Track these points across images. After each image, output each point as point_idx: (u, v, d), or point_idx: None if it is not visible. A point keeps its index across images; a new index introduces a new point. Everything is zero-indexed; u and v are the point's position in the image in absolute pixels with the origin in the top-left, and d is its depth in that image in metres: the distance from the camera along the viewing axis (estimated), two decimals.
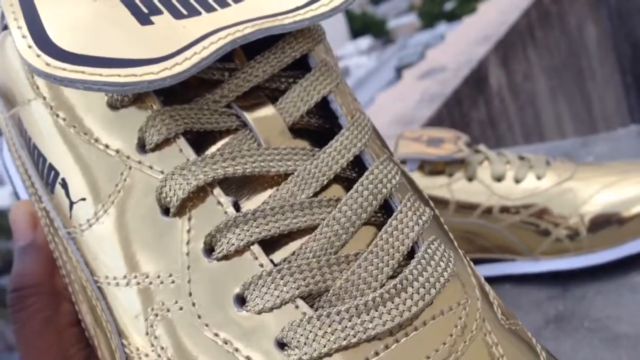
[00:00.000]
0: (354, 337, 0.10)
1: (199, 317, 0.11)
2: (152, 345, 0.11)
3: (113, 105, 0.12)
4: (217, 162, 0.11)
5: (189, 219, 0.11)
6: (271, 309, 0.10)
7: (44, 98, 0.14)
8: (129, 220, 0.12)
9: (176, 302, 0.11)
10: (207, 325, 0.11)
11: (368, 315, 0.10)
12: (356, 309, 0.10)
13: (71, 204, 0.13)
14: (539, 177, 0.29)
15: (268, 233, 0.11)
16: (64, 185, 0.13)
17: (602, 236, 0.27)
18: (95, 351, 0.14)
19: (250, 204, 0.12)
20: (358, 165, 0.13)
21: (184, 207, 0.12)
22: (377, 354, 0.10)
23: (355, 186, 0.12)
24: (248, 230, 0.11)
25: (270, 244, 0.11)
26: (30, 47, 0.11)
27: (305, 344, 0.10)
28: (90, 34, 0.12)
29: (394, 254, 0.11)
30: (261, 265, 0.11)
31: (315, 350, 0.10)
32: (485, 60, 0.81)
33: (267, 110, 0.12)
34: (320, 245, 0.11)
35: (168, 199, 0.12)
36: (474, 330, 0.11)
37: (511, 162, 0.30)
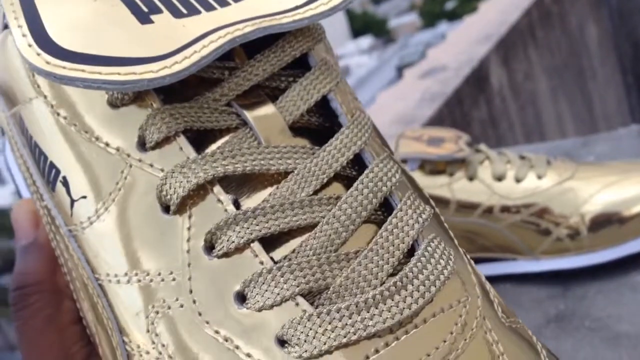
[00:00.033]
0: (354, 334, 0.10)
1: (200, 314, 0.11)
2: (153, 342, 0.11)
3: (113, 104, 0.13)
4: (217, 160, 0.11)
5: (190, 217, 0.11)
6: (271, 307, 0.11)
7: (45, 97, 0.14)
8: (129, 218, 0.12)
9: (177, 300, 0.11)
10: (207, 323, 0.11)
11: (368, 312, 0.10)
12: (356, 306, 0.10)
13: (72, 201, 0.13)
14: (539, 177, 0.29)
15: (268, 231, 0.11)
16: (65, 183, 0.13)
17: (603, 235, 0.27)
18: (97, 349, 0.14)
19: (250, 202, 0.12)
20: (358, 164, 0.13)
21: (185, 204, 0.12)
22: (377, 351, 0.10)
23: (355, 184, 0.12)
24: (248, 228, 0.11)
25: (270, 242, 0.11)
26: (30, 45, 0.11)
27: (305, 341, 0.10)
28: (90, 32, 0.12)
29: (394, 252, 0.11)
30: (261, 263, 0.11)
31: (315, 348, 0.10)
32: (486, 59, 0.81)
33: (267, 109, 0.12)
34: (320, 243, 0.11)
35: (168, 196, 0.12)
36: (475, 328, 0.11)
37: (512, 162, 0.30)
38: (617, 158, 0.35)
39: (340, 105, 0.13)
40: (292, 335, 0.10)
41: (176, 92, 0.13)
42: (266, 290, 0.11)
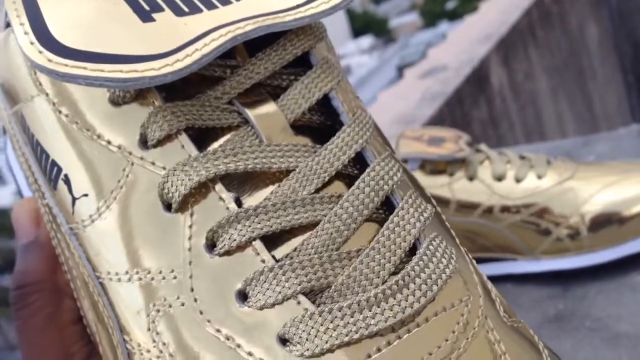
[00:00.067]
0: (356, 333, 0.10)
1: (201, 312, 0.11)
2: (154, 341, 0.11)
3: (115, 102, 0.13)
4: (219, 158, 0.11)
5: (191, 215, 0.11)
6: (273, 305, 0.10)
7: (47, 94, 0.14)
8: (131, 216, 0.12)
9: (178, 298, 0.11)
10: (209, 321, 0.11)
11: (370, 311, 0.10)
12: (358, 305, 0.10)
13: (74, 199, 0.13)
14: (539, 177, 0.29)
15: (270, 229, 0.11)
16: (67, 181, 0.13)
17: (603, 235, 0.27)
18: (97, 347, 0.14)
19: (252, 200, 0.12)
20: (359, 162, 0.13)
21: (186, 202, 0.12)
22: (379, 350, 0.10)
23: (356, 183, 0.12)
24: (250, 226, 0.11)
25: (272, 240, 0.11)
26: (32, 43, 0.11)
27: (307, 339, 0.10)
28: (92, 30, 0.12)
29: (395, 251, 0.11)
30: (263, 261, 0.11)
31: (317, 346, 0.10)
32: (486, 59, 0.81)
33: (269, 107, 0.12)
34: (322, 241, 0.11)
35: (170, 194, 0.12)
36: (476, 327, 0.11)
37: (512, 162, 0.30)
38: (618, 158, 0.35)
39: (341, 103, 0.13)
40: (294, 334, 0.10)
41: (178, 90, 0.13)
42: (268, 289, 0.11)
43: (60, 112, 0.13)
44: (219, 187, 0.12)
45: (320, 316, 0.10)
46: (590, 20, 1.14)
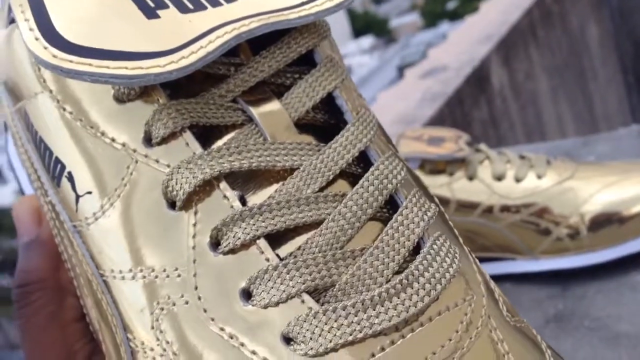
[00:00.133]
0: (360, 332, 0.10)
1: (205, 311, 0.11)
2: (158, 339, 0.11)
3: (119, 99, 0.13)
4: (224, 156, 0.11)
5: (195, 213, 0.11)
6: (277, 304, 0.10)
7: (51, 91, 0.14)
8: (134, 213, 0.12)
9: (182, 296, 0.11)
10: (212, 320, 0.11)
11: (374, 310, 0.10)
12: (362, 304, 0.10)
13: (77, 197, 0.13)
14: (539, 177, 0.29)
15: (274, 227, 0.11)
16: (70, 178, 0.13)
17: (603, 235, 0.27)
18: (100, 345, 0.14)
19: (256, 198, 0.12)
20: (363, 161, 0.13)
21: (190, 200, 0.12)
22: (383, 349, 0.10)
23: (360, 181, 0.12)
24: (254, 225, 0.11)
25: (276, 239, 0.11)
26: (37, 39, 0.11)
27: (311, 338, 0.10)
28: (97, 26, 0.12)
29: (399, 250, 0.11)
30: (267, 260, 0.11)
31: (321, 345, 0.10)
32: (487, 59, 0.81)
33: (273, 105, 0.12)
34: (326, 240, 0.11)
35: (174, 192, 0.12)
36: (480, 327, 0.11)
37: (512, 161, 0.30)
38: (618, 158, 0.35)
39: (345, 102, 0.13)
40: (298, 333, 0.10)
41: (182, 87, 0.13)
42: (272, 287, 0.11)
43: (64, 109, 0.13)
44: (223, 185, 0.11)
45: (324, 315, 0.10)
46: (591, 20, 1.14)
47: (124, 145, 0.12)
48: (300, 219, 0.11)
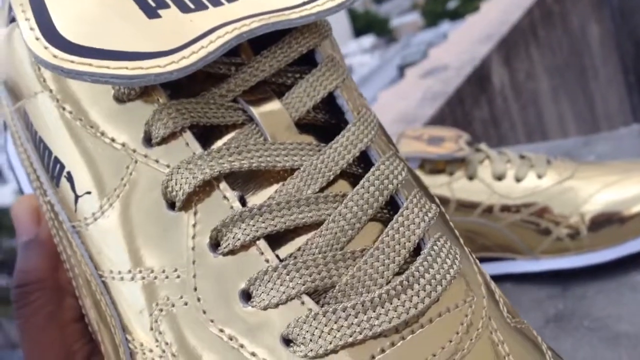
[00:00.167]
0: (360, 333, 0.10)
1: (204, 312, 0.11)
2: (157, 340, 0.11)
3: (119, 99, 0.12)
4: (224, 157, 0.11)
5: (195, 214, 0.11)
6: (277, 305, 0.10)
7: (51, 91, 0.14)
8: (134, 214, 0.12)
9: (181, 297, 0.11)
10: (212, 321, 0.11)
11: (374, 311, 0.10)
12: (362, 305, 0.10)
13: (76, 197, 0.13)
14: (539, 176, 0.29)
15: (274, 228, 0.11)
16: (70, 178, 0.13)
17: (603, 235, 0.27)
18: (99, 346, 0.14)
19: (256, 199, 0.12)
20: (364, 161, 0.13)
21: (190, 201, 0.11)
22: (383, 351, 0.10)
23: (361, 182, 0.12)
24: (254, 225, 0.11)
25: (276, 239, 0.11)
26: (37, 39, 0.11)
27: (311, 340, 0.10)
28: (98, 26, 0.12)
29: (400, 251, 0.11)
30: (267, 261, 0.11)
31: (321, 347, 0.10)
32: (487, 59, 0.81)
33: (274, 105, 0.12)
34: (326, 240, 0.11)
35: (174, 193, 0.12)
36: (480, 328, 0.11)
37: (512, 161, 0.30)
38: (618, 157, 0.35)
39: (346, 102, 0.13)
40: (298, 334, 0.10)
41: (183, 87, 0.12)
42: (272, 289, 0.11)
43: (64, 108, 0.13)
44: (223, 185, 0.11)
45: (324, 317, 0.10)
46: (592, 19, 1.14)
47: (123, 145, 0.12)
48: (300, 220, 0.11)
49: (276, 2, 0.12)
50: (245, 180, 0.12)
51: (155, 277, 0.12)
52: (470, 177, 0.30)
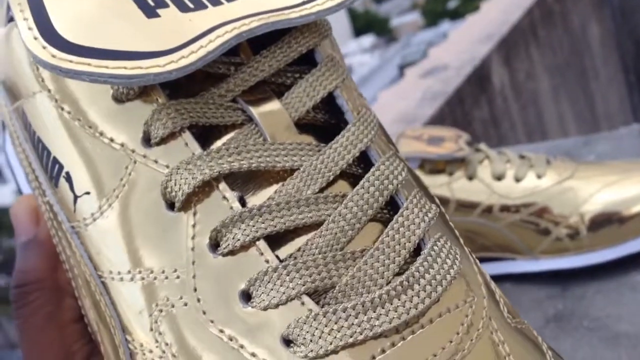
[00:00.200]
0: (361, 334, 0.10)
1: (204, 313, 0.11)
2: (157, 341, 0.11)
3: (118, 99, 0.12)
4: (223, 157, 0.11)
5: (194, 214, 0.11)
6: (277, 306, 0.10)
7: (49, 91, 0.13)
8: (133, 214, 0.12)
9: (181, 298, 0.11)
10: (212, 322, 0.11)
11: (374, 312, 0.10)
12: (362, 305, 0.10)
13: (75, 197, 0.13)
14: (539, 176, 0.29)
15: (274, 228, 0.11)
16: (68, 179, 0.13)
17: (603, 235, 0.27)
18: (99, 346, 0.14)
19: (255, 199, 0.12)
20: (364, 162, 0.13)
21: (189, 201, 0.11)
22: (383, 351, 0.10)
23: (361, 182, 0.12)
24: (254, 226, 0.11)
25: (276, 240, 0.11)
26: (36, 38, 0.11)
27: (311, 341, 0.10)
28: (97, 26, 0.12)
29: (400, 251, 0.11)
30: (267, 261, 0.11)
31: (321, 348, 0.10)
32: (487, 58, 0.81)
33: (273, 105, 0.12)
34: (326, 241, 0.11)
35: (173, 193, 0.12)
36: (480, 329, 0.11)
37: (511, 161, 0.30)
38: (619, 157, 0.35)
39: (346, 102, 0.13)
40: (298, 335, 0.10)
41: (182, 87, 0.12)
42: (272, 289, 0.11)
43: (62, 108, 0.13)
44: (222, 186, 0.11)
45: (324, 317, 0.10)
46: (592, 19, 1.14)
47: (122, 145, 0.12)
48: (300, 220, 0.11)
49: (276, 2, 0.12)
50: (244, 181, 0.12)
51: (155, 278, 0.12)
52: (470, 177, 0.30)
